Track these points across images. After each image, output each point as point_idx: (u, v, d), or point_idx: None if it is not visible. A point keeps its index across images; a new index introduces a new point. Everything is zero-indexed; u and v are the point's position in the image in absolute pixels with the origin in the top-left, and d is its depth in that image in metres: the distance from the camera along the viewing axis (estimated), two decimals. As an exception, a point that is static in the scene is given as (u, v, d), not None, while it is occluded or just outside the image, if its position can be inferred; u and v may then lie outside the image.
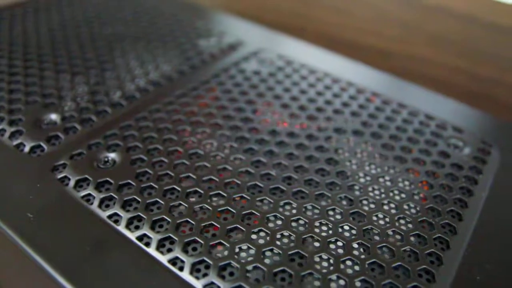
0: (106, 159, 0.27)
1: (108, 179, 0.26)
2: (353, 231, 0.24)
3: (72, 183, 0.26)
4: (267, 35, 0.44)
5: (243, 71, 0.37)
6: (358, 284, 0.21)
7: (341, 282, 0.21)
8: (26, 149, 0.28)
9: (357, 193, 0.26)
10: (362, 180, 0.27)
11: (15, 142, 0.29)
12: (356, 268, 0.22)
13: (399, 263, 0.22)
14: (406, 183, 0.27)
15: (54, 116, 0.31)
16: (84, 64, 0.37)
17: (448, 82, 0.47)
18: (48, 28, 0.43)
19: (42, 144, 0.29)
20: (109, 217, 0.24)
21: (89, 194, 0.25)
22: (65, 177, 0.26)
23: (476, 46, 0.45)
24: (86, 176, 0.26)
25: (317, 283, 0.21)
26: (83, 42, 0.41)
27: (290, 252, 0.22)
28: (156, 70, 0.37)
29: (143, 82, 0.35)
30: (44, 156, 0.28)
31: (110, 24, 0.44)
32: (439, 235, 0.24)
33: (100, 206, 0.24)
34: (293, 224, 0.24)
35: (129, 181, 0.26)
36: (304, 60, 0.39)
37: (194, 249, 0.22)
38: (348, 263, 0.22)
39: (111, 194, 0.25)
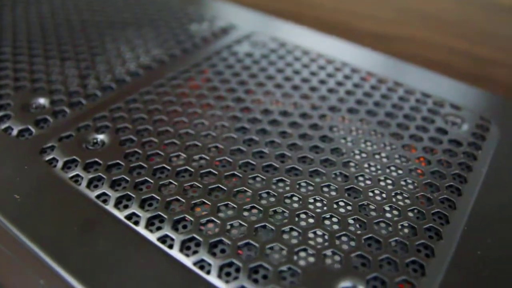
0: (95, 141, 0.27)
1: (96, 159, 0.25)
2: (349, 207, 0.23)
3: (60, 164, 0.25)
4: (259, 19, 0.43)
5: (235, 54, 0.36)
6: (354, 259, 0.21)
7: (336, 257, 0.21)
8: (14, 132, 0.28)
9: (352, 169, 0.25)
10: (357, 157, 0.26)
11: (2, 126, 0.28)
12: (352, 243, 0.21)
13: (397, 238, 0.22)
14: (403, 159, 0.27)
15: (42, 100, 0.30)
16: (74, 49, 0.36)
17: (446, 63, 0.47)
18: (38, 16, 0.42)
19: (30, 127, 0.28)
20: (98, 197, 0.23)
21: (77, 175, 0.24)
22: (53, 158, 0.25)
23: (474, 25, 0.44)
24: (75, 157, 0.25)
25: (311, 259, 0.20)
26: (73, 29, 0.40)
27: (283, 228, 0.21)
28: (147, 54, 0.36)
29: (133, 66, 0.34)
30: (32, 139, 0.27)
31: (101, 11, 0.43)
32: (438, 210, 0.23)
33: (88, 186, 0.24)
34: (287, 201, 0.23)
35: (118, 161, 0.25)
36: (298, 42, 0.39)
37: (184, 226, 0.22)
38: (344, 238, 0.21)
39: (100, 174, 0.24)
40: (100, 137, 0.27)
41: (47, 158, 0.26)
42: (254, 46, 0.38)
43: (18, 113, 0.29)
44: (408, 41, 0.49)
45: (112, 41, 0.38)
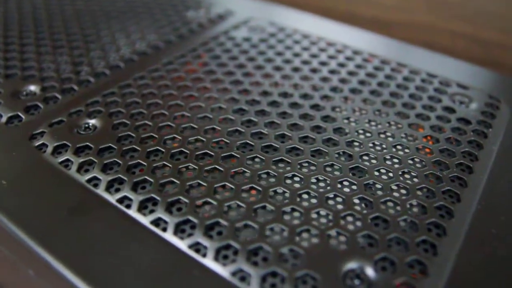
0: (86, 125, 0.26)
1: (88, 144, 0.24)
2: (354, 187, 0.22)
3: (49, 149, 0.24)
4: (257, 5, 0.42)
5: (233, 38, 0.35)
6: (360, 240, 0.19)
7: (342, 238, 0.19)
8: (3, 119, 0.26)
9: (356, 149, 0.24)
10: (362, 136, 0.25)
11: (-9, 114, 0.27)
12: (358, 223, 0.20)
13: (406, 217, 0.20)
14: (410, 138, 0.25)
15: (33, 87, 0.29)
16: (68, 38, 0.35)
17: (451, 48, 0.45)
18: (31, 6, 0.41)
19: (19, 114, 0.27)
20: (88, 181, 0.22)
21: (67, 160, 0.23)
22: (43, 144, 0.24)
23: (477, 7, 0.43)
24: (65, 142, 0.24)
25: (314, 240, 0.19)
26: (67, 18, 0.39)
27: (284, 209, 0.20)
28: (142, 40, 0.35)
29: (128, 52, 0.33)
30: (22, 126, 0.26)
31: (96, 0, 0.42)
32: (449, 188, 0.22)
33: (78, 170, 0.23)
34: (288, 181, 0.22)
35: (110, 144, 0.24)
36: (297, 26, 0.37)
37: (179, 209, 0.20)
38: (349, 218, 0.20)
39: (91, 158, 0.23)
40: (92, 121, 0.26)
41: (37, 144, 0.24)
42: (252, 31, 0.36)
43: (8, 100, 0.28)
44: (410, 27, 0.48)
45: (107, 28, 0.37)
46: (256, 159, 0.23)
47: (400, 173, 0.23)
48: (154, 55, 0.33)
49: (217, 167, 0.22)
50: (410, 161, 0.23)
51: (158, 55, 0.33)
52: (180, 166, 0.22)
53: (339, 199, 0.21)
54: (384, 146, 0.24)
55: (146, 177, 0.22)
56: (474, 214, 0.21)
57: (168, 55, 0.33)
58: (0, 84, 0.30)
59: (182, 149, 0.23)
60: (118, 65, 0.32)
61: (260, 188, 0.21)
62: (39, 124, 0.26)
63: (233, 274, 0.18)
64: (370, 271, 0.18)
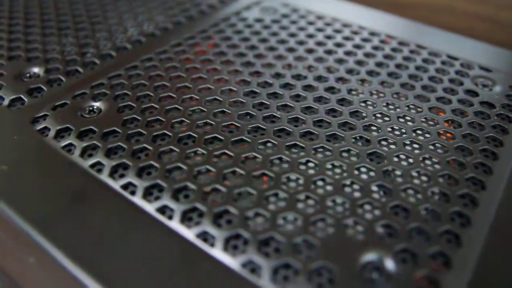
0: (91, 108, 0.25)
1: (92, 127, 0.23)
2: (372, 173, 0.20)
3: (52, 133, 0.23)
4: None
5: (244, 19, 0.34)
6: (379, 229, 0.18)
7: (359, 228, 0.18)
8: (5, 102, 0.25)
9: (374, 133, 0.23)
10: (379, 120, 0.24)
11: (-7, 97, 0.26)
12: (376, 212, 0.19)
13: (427, 205, 0.19)
14: (431, 122, 0.24)
15: (37, 69, 0.28)
16: (73, 19, 0.34)
17: (469, 31, 0.43)
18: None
19: (22, 96, 0.26)
20: (91, 166, 0.21)
21: (70, 144, 0.22)
22: (45, 128, 0.23)
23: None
24: (68, 125, 0.23)
25: (330, 230, 0.18)
26: (73, 0, 0.38)
27: (297, 196, 0.19)
28: (151, 22, 0.34)
29: (135, 33, 0.32)
30: (24, 109, 0.25)
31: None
32: (473, 175, 0.21)
33: (81, 155, 0.22)
34: (302, 167, 0.21)
35: (115, 128, 0.23)
36: (310, 7, 0.36)
37: (186, 196, 0.19)
38: (367, 207, 0.19)
39: (94, 142, 0.22)
40: (97, 104, 0.25)
41: (39, 127, 0.23)
42: (264, 12, 0.35)
43: (11, 82, 0.27)
44: (426, 9, 0.46)
45: (113, 9, 0.36)
46: (268, 144, 0.22)
47: (420, 159, 0.21)
48: (162, 37, 0.32)
49: (227, 152, 0.21)
50: (431, 147, 0.22)
51: (166, 37, 0.32)
52: (188, 151, 0.21)
53: (356, 186, 0.20)
54: (403, 130, 0.23)
55: (152, 162, 0.21)
56: (500, 203, 0.20)
57: (177, 36, 0.32)
58: (3, 66, 0.29)
59: (190, 133, 0.22)
60: (125, 46, 0.31)
61: (272, 175, 0.20)
62: (42, 107, 0.25)
63: (243, 265, 0.17)
64: (389, 263, 0.17)
